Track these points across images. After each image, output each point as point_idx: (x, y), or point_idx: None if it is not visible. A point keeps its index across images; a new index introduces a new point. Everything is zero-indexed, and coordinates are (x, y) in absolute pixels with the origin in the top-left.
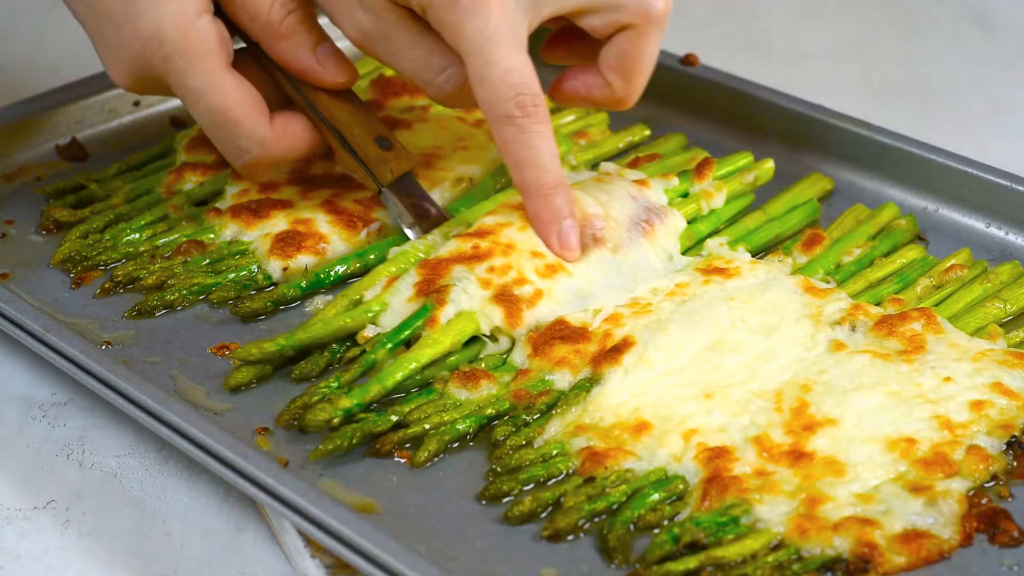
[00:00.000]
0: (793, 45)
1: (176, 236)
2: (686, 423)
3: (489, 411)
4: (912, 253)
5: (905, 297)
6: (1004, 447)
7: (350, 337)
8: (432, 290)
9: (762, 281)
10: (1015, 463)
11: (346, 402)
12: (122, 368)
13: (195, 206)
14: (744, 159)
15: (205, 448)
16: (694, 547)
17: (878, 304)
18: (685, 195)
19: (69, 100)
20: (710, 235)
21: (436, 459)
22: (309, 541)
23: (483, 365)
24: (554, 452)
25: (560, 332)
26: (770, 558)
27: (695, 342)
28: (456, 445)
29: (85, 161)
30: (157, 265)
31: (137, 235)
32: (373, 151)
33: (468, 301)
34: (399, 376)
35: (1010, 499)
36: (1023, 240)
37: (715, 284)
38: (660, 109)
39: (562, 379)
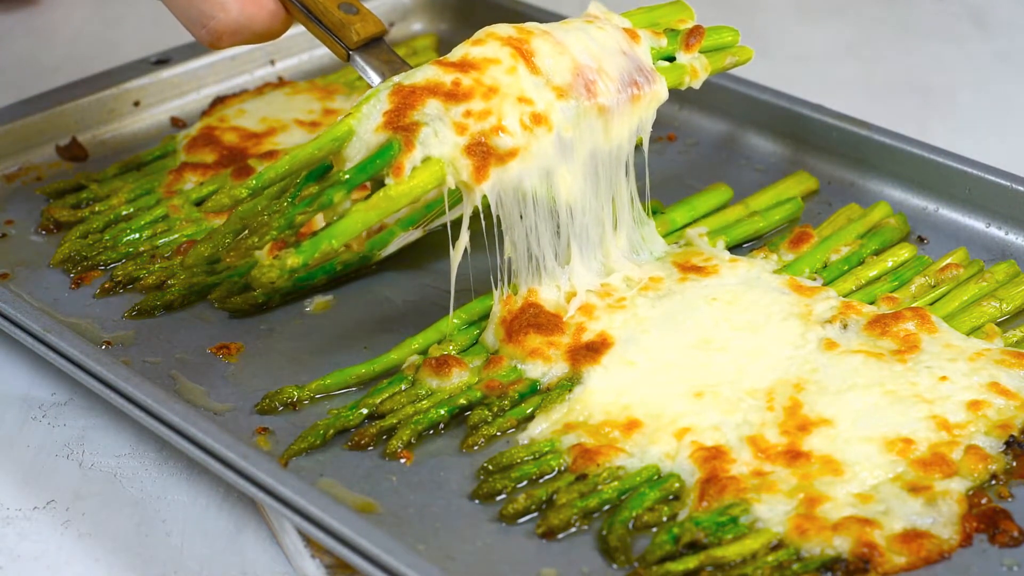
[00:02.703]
0: (793, 45)
1: (176, 236)
2: (677, 422)
3: (462, 400)
4: (904, 252)
5: (899, 296)
6: (1003, 447)
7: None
8: (401, 124)
9: (743, 280)
10: (1014, 463)
11: (294, 260)
12: (122, 368)
13: (195, 206)
14: (730, 34)
15: (205, 448)
16: (694, 547)
17: (871, 303)
18: (670, 59)
19: (69, 100)
20: (686, 226)
21: (416, 450)
22: (309, 541)
23: (452, 350)
24: (545, 450)
25: (534, 319)
26: (770, 558)
27: (678, 342)
28: (431, 432)
29: (85, 161)
30: (157, 265)
31: (137, 235)
32: (337, 16)
33: (439, 147)
34: (352, 231)
35: (1010, 499)
36: (1023, 240)
37: (693, 282)
38: (661, 109)
39: (534, 369)
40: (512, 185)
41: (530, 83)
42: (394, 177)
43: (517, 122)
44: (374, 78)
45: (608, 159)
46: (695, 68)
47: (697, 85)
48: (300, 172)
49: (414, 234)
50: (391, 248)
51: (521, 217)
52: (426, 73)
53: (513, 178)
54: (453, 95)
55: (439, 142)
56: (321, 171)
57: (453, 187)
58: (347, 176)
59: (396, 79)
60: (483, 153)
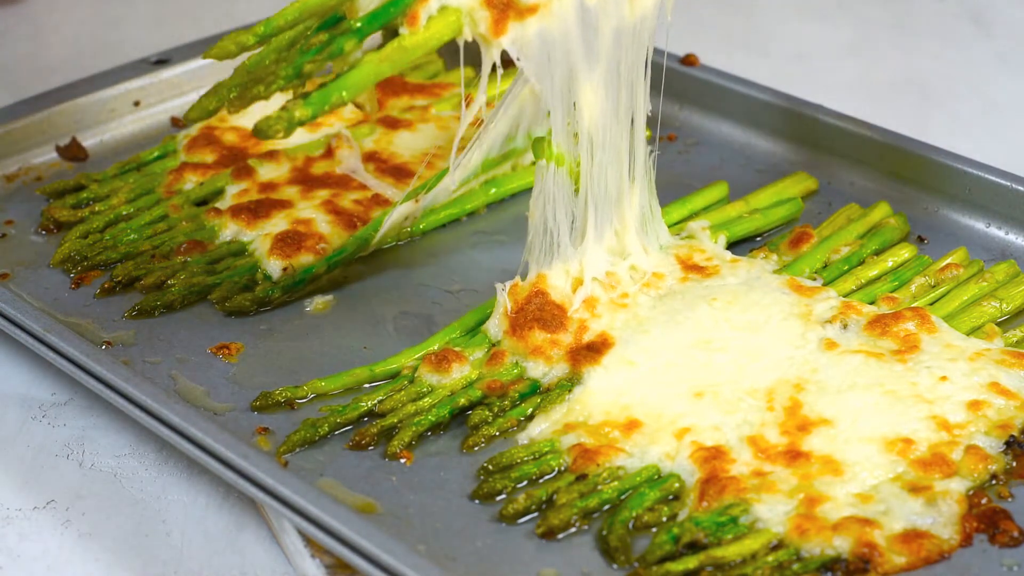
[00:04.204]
0: (793, 45)
1: (176, 236)
2: (677, 422)
3: (462, 401)
4: (904, 252)
5: (900, 296)
6: (1003, 447)
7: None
8: None
9: (744, 280)
10: (1014, 463)
11: (303, 112)
12: (122, 368)
13: (195, 206)
14: None
15: (205, 448)
16: (694, 547)
17: (871, 303)
18: None
19: (69, 100)
20: (684, 220)
21: (416, 450)
22: (309, 541)
23: (455, 347)
24: (545, 450)
25: (539, 312)
26: (770, 558)
27: (678, 342)
28: (429, 434)
29: (85, 161)
30: (157, 265)
31: (137, 235)
32: None
33: None
34: (364, 83)
35: (1010, 499)
36: (1023, 240)
37: (694, 282)
38: (662, 109)
39: (535, 369)
40: (531, 41)
41: None
42: (408, 27)
43: None
44: None
45: (632, 41)
46: None
47: None
48: (310, 21)
49: (405, 208)
50: (386, 226)
51: (542, 177)
52: None
53: (533, 36)
54: None
55: None
56: (332, 22)
57: (470, 39)
58: (359, 24)
59: None
60: (503, 5)
